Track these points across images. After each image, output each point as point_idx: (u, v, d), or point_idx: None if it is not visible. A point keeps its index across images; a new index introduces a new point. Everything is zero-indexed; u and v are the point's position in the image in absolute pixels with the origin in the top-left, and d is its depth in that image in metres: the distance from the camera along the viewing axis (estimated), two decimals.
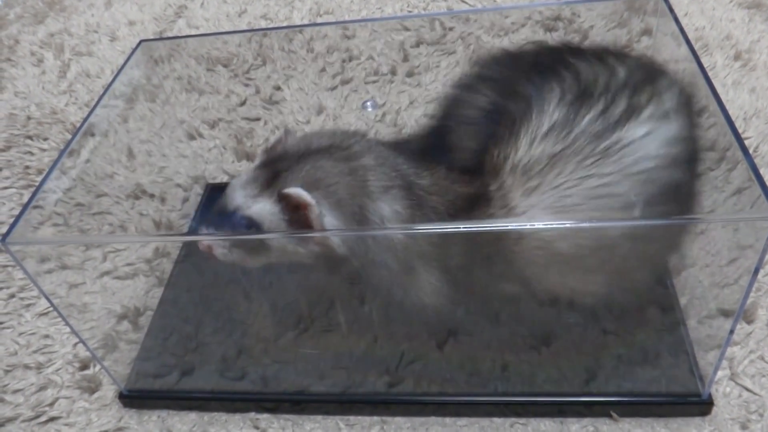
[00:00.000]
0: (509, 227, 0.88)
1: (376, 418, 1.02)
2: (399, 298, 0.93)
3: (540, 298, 0.95)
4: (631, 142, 0.80)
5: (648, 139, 0.80)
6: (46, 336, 1.21)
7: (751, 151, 1.32)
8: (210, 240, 0.90)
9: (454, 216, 0.88)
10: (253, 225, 0.88)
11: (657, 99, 0.85)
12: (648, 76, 0.91)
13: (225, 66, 1.62)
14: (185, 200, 1.42)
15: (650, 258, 0.90)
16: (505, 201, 0.85)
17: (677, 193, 0.82)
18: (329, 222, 0.86)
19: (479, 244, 0.87)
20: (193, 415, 1.06)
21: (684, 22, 1.69)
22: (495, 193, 0.86)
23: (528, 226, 0.88)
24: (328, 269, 0.95)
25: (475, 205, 0.87)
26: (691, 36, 1.64)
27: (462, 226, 0.83)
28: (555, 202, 0.82)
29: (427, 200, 0.89)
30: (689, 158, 0.84)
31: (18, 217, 0.90)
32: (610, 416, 0.97)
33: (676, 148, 0.81)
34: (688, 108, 0.88)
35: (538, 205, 0.82)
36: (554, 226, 0.87)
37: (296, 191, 0.85)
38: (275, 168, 0.91)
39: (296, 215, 0.85)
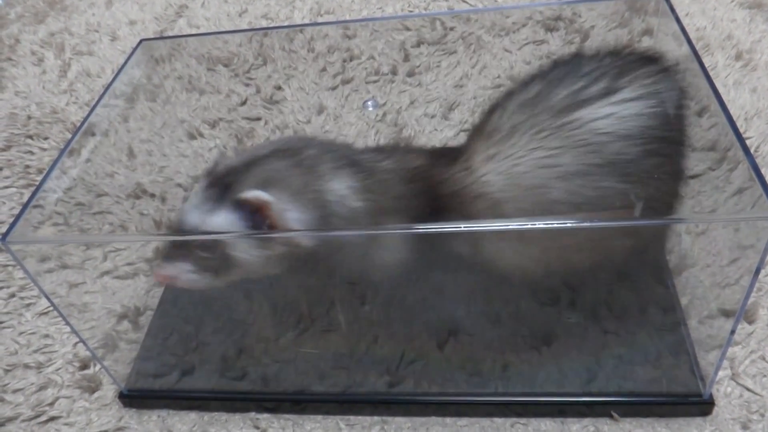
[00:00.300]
0: (508, 227, 0.88)
1: (376, 418, 1.02)
2: (366, 266, 0.93)
3: (481, 265, 0.95)
4: (589, 122, 0.83)
5: (608, 119, 0.82)
6: (47, 335, 1.21)
7: (752, 151, 1.31)
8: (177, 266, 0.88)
9: (409, 177, 0.91)
10: (215, 241, 0.85)
11: (637, 82, 0.86)
12: (641, 62, 0.92)
13: (226, 65, 1.62)
14: (186, 200, 1.42)
15: (595, 243, 0.90)
16: (468, 163, 0.89)
17: (626, 167, 0.82)
18: (292, 216, 0.85)
19: (438, 199, 0.90)
20: (193, 415, 1.06)
21: (685, 22, 1.69)
22: (461, 155, 0.91)
23: (529, 226, 0.88)
24: (296, 270, 0.92)
25: (436, 166, 0.91)
26: (692, 36, 1.63)
27: (462, 226, 0.82)
28: (508, 169, 0.85)
29: (379, 167, 0.91)
30: (646, 135, 0.83)
31: (18, 217, 0.90)
32: (611, 416, 0.97)
33: (632, 123, 0.83)
34: (671, 93, 0.88)
35: (494, 171, 0.86)
36: (554, 225, 0.87)
37: (253, 193, 0.83)
38: (224, 182, 0.89)
39: (258, 218, 0.84)
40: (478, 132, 0.92)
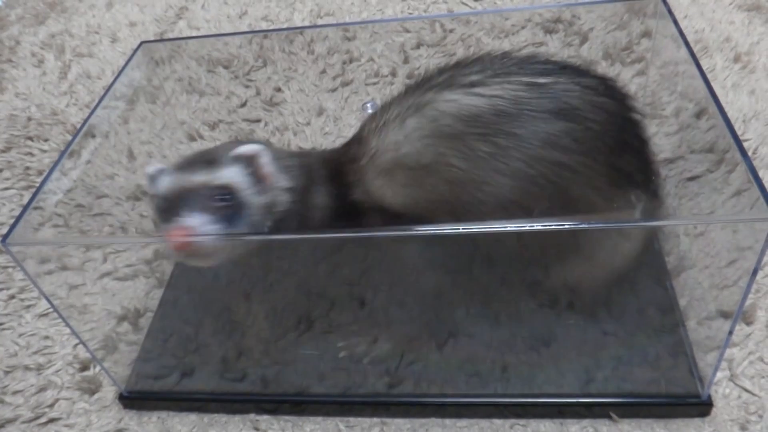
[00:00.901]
0: (511, 228, 0.90)
1: (376, 420, 1.02)
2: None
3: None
4: (440, 102, 0.96)
5: (449, 104, 0.96)
6: (46, 337, 1.21)
7: (750, 153, 1.32)
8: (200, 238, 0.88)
9: (326, 155, 1.12)
10: (229, 191, 0.91)
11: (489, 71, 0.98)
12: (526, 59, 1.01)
13: (225, 67, 1.62)
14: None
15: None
16: (365, 147, 1.03)
17: (457, 139, 0.94)
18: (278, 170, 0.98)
19: (343, 170, 1.05)
20: (193, 417, 1.06)
21: (684, 24, 1.70)
22: (360, 137, 1.07)
23: (528, 227, 0.89)
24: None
25: (348, 151, 1.07)
26: (690, 38, 1.64)
27: (462, 227, 0.83)
28: (387, 146, 1.00)
29: (313, 157, 1.11)
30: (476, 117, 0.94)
31: (18, 218, 0.90)
32: (610, 417, 0.97)
33: (463, 111, 0.95)
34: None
35: (380, 146, 1.01)
36: (554, 226, 0.88)
37: (248, 146, 0.95)
38: (204, 158, 0.98)
39: (253, 167, 0.95)
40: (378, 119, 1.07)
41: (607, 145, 0.93)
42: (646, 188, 0.96)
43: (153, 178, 0.96)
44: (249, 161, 0.95)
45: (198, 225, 0.87)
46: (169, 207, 0.90)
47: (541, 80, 0.95)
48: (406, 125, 0.98)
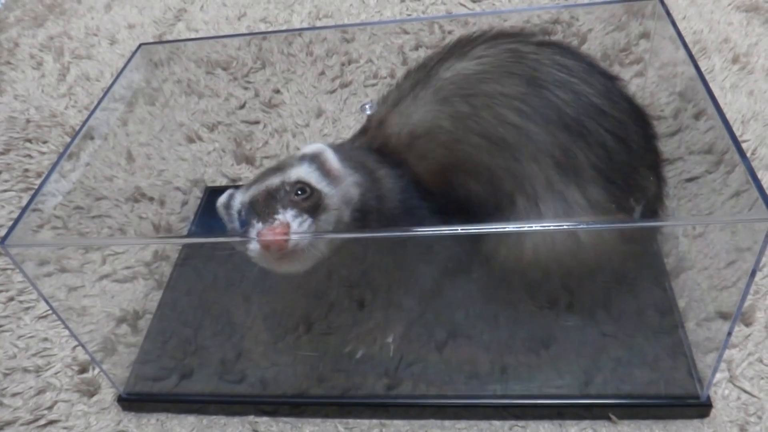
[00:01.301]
0: (510, 228, 0.91)
1: (375, 421, 1.02)
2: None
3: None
4: (442, 71, 1.04)
5: (449, 71, 1.03)
6: (45, 339, 1.21)
7: (749, 154, 1.32)
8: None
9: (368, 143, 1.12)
10: (304, 184, 0.93)
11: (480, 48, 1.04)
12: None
13: (224, 69, 1.62)
14: (184, 203, 1.42)
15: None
16: (388, 126, 1.08)
17: (447, 102, 1.02)
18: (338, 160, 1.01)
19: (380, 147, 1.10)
20: (191, 419, 1.06)
21: (682, 25, 1.70)
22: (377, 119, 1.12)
23: (527, 227, 0.90)
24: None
25: (377, 134, 1.11)
26: (689, 39, 1.64)
27: (460, 229, 0.83)
28: (401, 117, 1.06)
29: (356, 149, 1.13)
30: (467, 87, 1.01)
31: (17, 220, 0.90)
32: (609, 419, 0.97)
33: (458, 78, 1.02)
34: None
35: (395, 119, 1.07)
36: (553, 227, 0.89)
37: (311, 146, 1.01)
38: (272, 169, 1.01)
39: (319, 163, 0.98)
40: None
41: (562, 122, 0.95)
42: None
43: (227, 201, 0.99)
44: (314, 159, 0.98)
45: (291, 220, 0.86)
46: (253, 213, 0.90)
47: (525, 48, 1.01)
48: (417, 98, 1.04)
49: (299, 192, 0.91)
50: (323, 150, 0.99)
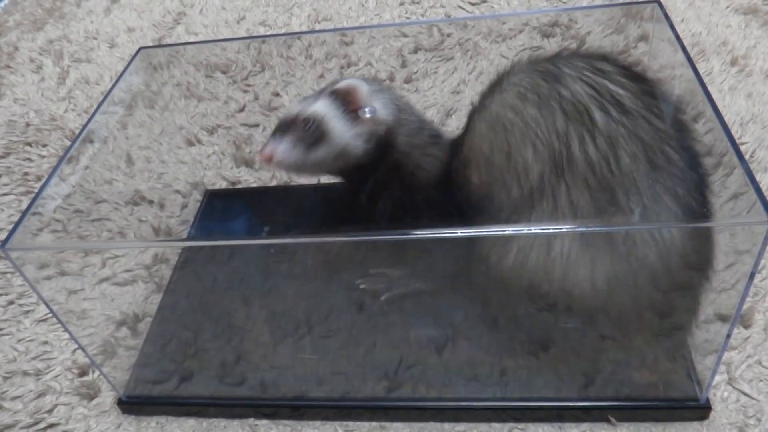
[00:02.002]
0: (509, 231, 0.91)
1: (374, 424, 1.02)
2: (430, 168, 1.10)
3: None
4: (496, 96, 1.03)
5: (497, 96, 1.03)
6: (45, 342, 1.21)
7: (747, 157, 1.32)
8: None
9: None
10: (315, 121, 1.02)
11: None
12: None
13: (224, 72, 1.62)
14: (184, 206, 1.42)
15: None
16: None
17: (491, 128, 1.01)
18: (377, 103, 1.04)
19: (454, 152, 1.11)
20: (191, 421, 1.06)
21: (681, 27, 1.70)
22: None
23: (526, 230, 0.90)
24: (372, 165, 1.07)
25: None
26: (687, 42, 1.64)
27: (460, 231, 0.84)
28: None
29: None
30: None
31: (17, 224, 0.90)
32: (609, 421, 0.97)
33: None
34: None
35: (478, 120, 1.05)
36: (552, 230, 0.89)
37: (347, 82, 1.04)
38: (321, 88, 1.08)
39: (348, 103, 1.03)
40: None
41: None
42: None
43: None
44: (338, 95, 1.03)
45: (277, 149, 1.01)
46: (276, 129, 1.05)
47: (565, 70, 0.98)
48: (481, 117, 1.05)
49: (307, 126, 1.02)
50: (352, 87, 1.03)
